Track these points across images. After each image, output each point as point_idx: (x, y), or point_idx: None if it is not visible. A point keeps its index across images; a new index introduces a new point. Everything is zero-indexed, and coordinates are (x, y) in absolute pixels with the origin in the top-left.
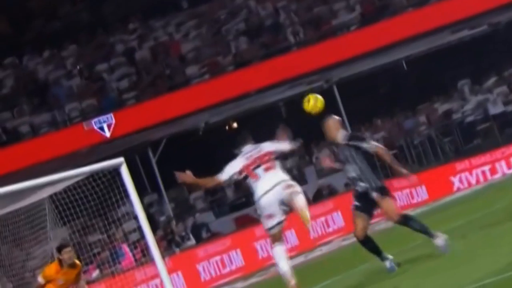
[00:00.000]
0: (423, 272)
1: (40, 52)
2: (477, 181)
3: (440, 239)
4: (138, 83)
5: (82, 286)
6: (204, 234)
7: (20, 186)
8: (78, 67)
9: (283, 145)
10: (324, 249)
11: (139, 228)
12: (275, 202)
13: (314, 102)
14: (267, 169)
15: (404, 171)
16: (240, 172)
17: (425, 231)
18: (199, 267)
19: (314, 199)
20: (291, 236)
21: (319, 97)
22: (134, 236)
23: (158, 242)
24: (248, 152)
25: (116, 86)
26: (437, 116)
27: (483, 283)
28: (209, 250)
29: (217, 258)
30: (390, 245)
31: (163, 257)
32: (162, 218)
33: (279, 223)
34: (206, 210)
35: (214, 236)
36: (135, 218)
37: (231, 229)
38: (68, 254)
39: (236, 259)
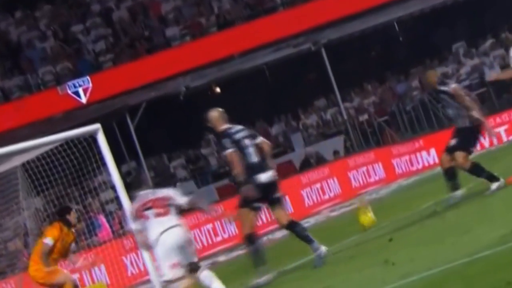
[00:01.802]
0: (414, 244)
1: (12, 13)
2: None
3: (320, 250)
4: (115, 45)
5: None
6: None
7: None
8: (52, 28)
9: (181, 199)
10: (312, 221)
11: (117, 198)
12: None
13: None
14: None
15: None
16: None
17: (306, 239)
18: None
19: (302, 167)
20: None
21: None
22: (111, 207)
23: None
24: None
25: (92, 48)
26: None
27: (476, 257)
28: (191, 221)
29: (197, 230)
30: (380, 215)
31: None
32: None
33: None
34: (187, 179)
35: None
36: (113, 187)
37: (213, 199)
38: (75, 214)
39: (220, 230)
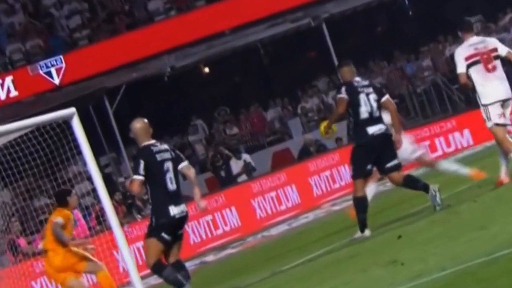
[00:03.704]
0: (426, 242)
1: None
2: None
3: None
4: (92, 20)
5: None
6: None
7: None
8: (21, 1)
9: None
10: (311, 216)
11: (94, 191)
12: None
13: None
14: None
15: None
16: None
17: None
18: None
19: (300, 157)
20: (292, 193)
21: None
22: (87, 200)
23: (116, 207)
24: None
25: (66, 24)
26: (443, 59)
27: (494, 256)
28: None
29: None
30: (389, 209)
31: (122, 225)
32: (121, 179)
33: None
34: None
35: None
36: (89, 179)
37: (201, 191)
38: (76, 196)
39: (206, 227)
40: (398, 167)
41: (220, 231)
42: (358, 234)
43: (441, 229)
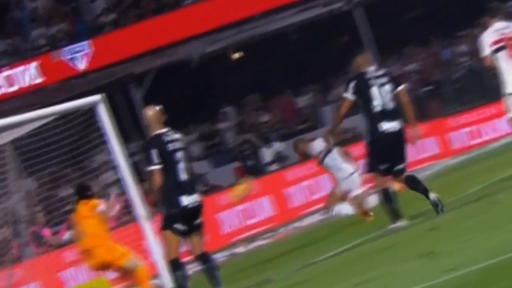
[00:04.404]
0: (464, 232)
1: None
2: None
3: None
4: (118, 4)
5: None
6: (200, 187)
7: None
8: None
9: None
10: None
11: (120, 180)
12: None
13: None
14: None
15: None
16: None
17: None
18: None
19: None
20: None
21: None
22: (114, 190)
23: (144, 197)
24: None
25: (92, 7)
26: None
27: None
28: (206, 206)
29: (215, 215)
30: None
31: (150, 215)
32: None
33: None
34: (202, 158)
35: (212, 189)
36: (116, 168)
37: (230, 181)
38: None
39: (237, 217)
40: (403, 171)
41: (251, 222)
42: (394, 224)
43: (478, 219)
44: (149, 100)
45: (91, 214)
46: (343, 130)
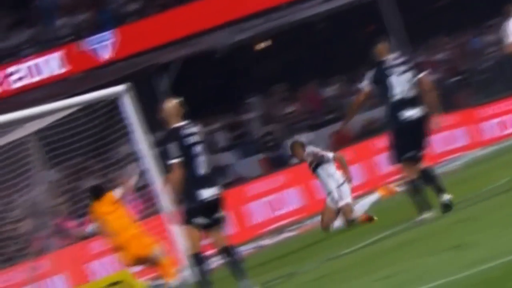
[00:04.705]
0: (495, 224)
1: None
2: None
3: None
4: None
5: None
6: (225, 179)
7: None
8: None
9: None
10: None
11: (145, 172)
12: None
13: None
14: None
15: None
16: None
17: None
18: None
19: (360, 136)
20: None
21: None
22: (139, 182)
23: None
24: None
25: None
26: None
27: None
28: (232, 197)
29: (242, 207)
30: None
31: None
32: None
33: None
34: (227, 149)
35: (238, 181)
36: (140, 159)
37: (256, 172)
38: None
39: (264, 209)
40: (421, 159)
41: (278, 213)
42: (421, 216)
43: (508, 211)
44: (174, 90)
45: (112, 207)
46: (369, 121)
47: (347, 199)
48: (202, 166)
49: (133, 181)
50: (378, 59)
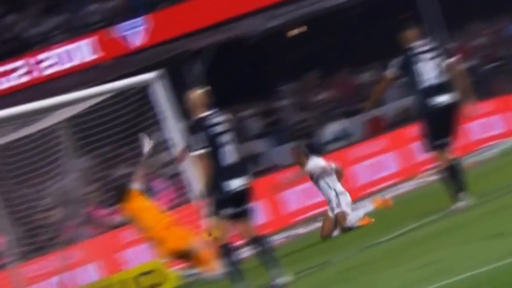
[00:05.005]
0: None
1: None
2: None
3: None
4: None
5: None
6: (259, 167)
7: (28, 107)
8: None
9: None
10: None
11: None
12: None
13: None
14: None
15: None
16: None
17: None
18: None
19: (396, 123)
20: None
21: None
22: (171, 170)
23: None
24: None
25: None
26: None
27: None
28: (266, 185)
29: (276, 195)
30: (493, 177)
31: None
32: None
33: None
34: (261, 137)
35: (271, 169)
36: (172, 147)
37: (290, 161)
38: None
39: (298, 197)
40: (450, 146)
41: (313, 201)
42: (457, 204)
43: None
44: (206, 77)
45: (139, 203)
46: (405, 108)
47: (344, 208)
48: (230, 155)
49: (147, 156)
50: (406, 45)
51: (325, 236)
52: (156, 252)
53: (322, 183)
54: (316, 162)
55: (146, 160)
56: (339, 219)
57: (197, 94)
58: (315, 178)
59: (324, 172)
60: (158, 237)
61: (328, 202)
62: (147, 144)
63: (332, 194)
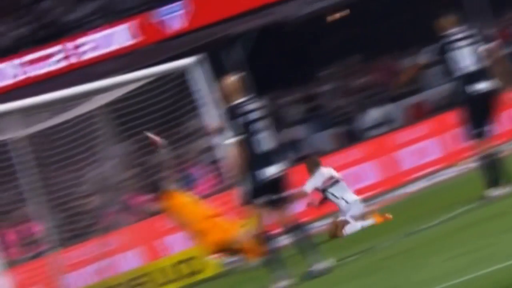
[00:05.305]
0: None
1: None
2: None
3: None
4: None
5: None
6: (297, 153)
7: (66, 93)
8: None
9: None
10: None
11: (215, 147)
12: None
13: None
14: None
15: None
16: None
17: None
18: None
19: (439, 109)
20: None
21: None
22: (210, 156)
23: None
24: None
25: None
26: None
27: None
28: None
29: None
30: None
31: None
32: None
33: None
34: (301, 123)
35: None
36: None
37: (330, 146)
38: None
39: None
40: (489, 134)
41: (357, 187)
42: (494, 192)
43: None
44: (246, 62)
45: (178, 198)
46: (446, 95)
47: (347, 217)
48: (266, 142)
49: (167, 158)
50: (442, 32)
51: (332, 237)
52: (200, 246)
53: (328, 194)
54: (320, 175)
55: (168, 160)
56: (338, 226)
57: (231, 80)
58: (321, 190)
59: (326, 184)
60: (201, 231)
61: (340, 210)
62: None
63: (340, 203)
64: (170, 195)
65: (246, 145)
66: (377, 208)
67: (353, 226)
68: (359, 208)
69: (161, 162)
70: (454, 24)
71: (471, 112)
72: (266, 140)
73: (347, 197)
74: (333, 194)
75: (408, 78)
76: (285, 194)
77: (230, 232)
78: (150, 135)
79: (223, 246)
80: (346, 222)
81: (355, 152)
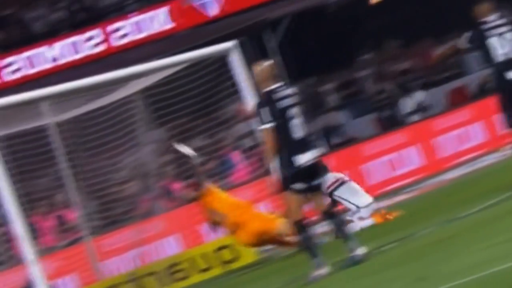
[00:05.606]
0: None
1: None
2: None
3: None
4: None
5: None
6: (336, 139)
7: (102, 78)
8: None
9: None
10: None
11: (254, 132)
12: None
13: None
14: None
15: None
16: None
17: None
18: None
19: (480, 94)
20: (476, 132)
21: None
22: (247, 142)
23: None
24: None
25: None
26: None
27: None
28: (346, 158)
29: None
30: None
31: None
32: None
33: None
34: (339, 109)
35: (351, 141)
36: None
37: (369, 132)
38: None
39: (381, 169)
40: None
41: (397, 173)
42: None
43: None
44: (284, 48)
45: (213, 194)
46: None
47: (352, 218)
48: (298, 129)
49: (195, 162)
50: (478, 19)
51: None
52: (238, 239)
53: (335, 197)
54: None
55: (198, 165)
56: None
57: (263, 67)
58: (328, 193)
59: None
60: (238, 224)
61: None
62: (187, 152)
63: (347, 205)
64: (207, 192)
65: (280, 131)
66: (385, 206)
67: (352, 227)
68: (365, 212)
69: (194, 169)
70: (491, 11)
71: (508, 99)
72: (300, 127)
73: (354, 200)
74: (339, 197)
75: (442, 57)
76: (320, 180)
77: (268, 223)
78: (179, 147)
79: (261, 238)
80: (350, 221)
81: (395, 137)
